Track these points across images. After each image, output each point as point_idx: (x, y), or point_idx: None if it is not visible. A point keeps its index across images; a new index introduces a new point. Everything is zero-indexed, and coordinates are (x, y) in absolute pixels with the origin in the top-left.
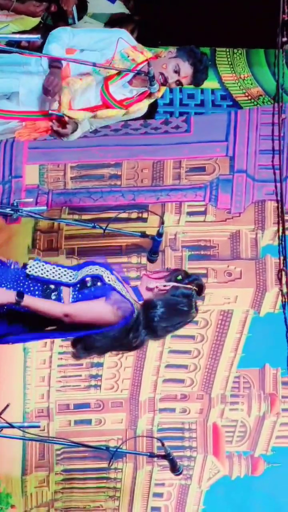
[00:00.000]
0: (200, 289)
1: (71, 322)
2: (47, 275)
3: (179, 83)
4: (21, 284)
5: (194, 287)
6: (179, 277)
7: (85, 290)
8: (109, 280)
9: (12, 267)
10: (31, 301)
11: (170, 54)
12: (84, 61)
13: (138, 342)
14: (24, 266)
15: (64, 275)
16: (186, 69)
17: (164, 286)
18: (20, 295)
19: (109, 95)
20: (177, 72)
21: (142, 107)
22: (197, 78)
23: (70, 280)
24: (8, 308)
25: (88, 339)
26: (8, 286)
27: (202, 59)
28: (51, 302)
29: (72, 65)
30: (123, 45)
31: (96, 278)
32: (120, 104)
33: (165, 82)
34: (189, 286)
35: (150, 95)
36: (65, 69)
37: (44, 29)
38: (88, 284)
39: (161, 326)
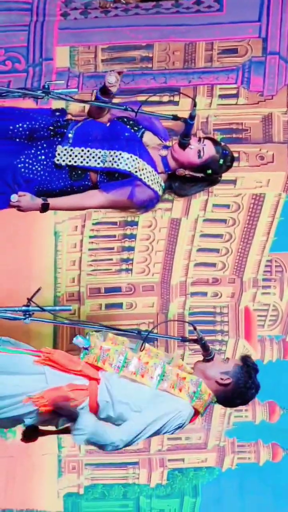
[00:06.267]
0: None
1: None
2: (75, 162)
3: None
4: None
5: None
6: None
7: (112, 181)
8: (136, 171)
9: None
10: (57, 205)
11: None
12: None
13: None
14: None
15: (93, 157)
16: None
17: None
18: (45, 206)
19: None
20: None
21: None
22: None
23: (98, 164)
24: None
25: None
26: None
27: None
28: (74, 199)
29: None
30: None
31: (124, 173)
32: None
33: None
34: None
35: None
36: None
37: None
38: (115, 176)
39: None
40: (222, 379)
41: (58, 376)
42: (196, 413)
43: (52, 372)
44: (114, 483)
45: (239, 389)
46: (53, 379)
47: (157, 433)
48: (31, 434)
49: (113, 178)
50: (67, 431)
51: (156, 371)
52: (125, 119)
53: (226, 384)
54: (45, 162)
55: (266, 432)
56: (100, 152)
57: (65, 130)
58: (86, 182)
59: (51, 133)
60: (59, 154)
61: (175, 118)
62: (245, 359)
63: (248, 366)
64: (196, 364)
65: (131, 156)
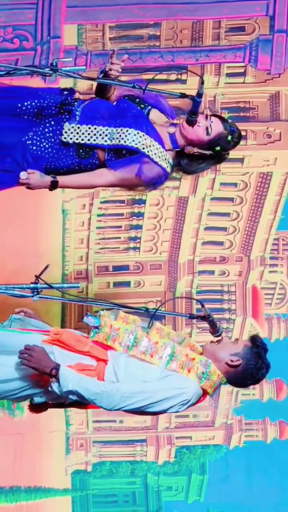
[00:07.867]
0: None
1: None
2: (82, 139)
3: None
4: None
5: None
6: None
7: (120, 159)
8: (143, 148)
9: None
10: (66, 183)
11: None
12: None
13: None
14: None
15: (100, 135)
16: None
17: None
18: (54, 184)
19: None
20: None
21: None
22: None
23: (105, 141)
24: None
25: None
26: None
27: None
28: (83, 177)
29: None
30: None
31: (131, 150)
32: None
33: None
34: None
35: None
36: None
37: None
38: (123, 153)
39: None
40: (232, 360)
41: (66, 356)
42: (205, 393)
43: (61, 352)
44: (122, 460)
45: (250, 369)
46: (61, 359)
47: (160, 407)
48: (39, 406)
49: (121, 155)
50: (74, 405)
51: (165, 351)
52: (132, 97)
53: (236, 365)
54: (52, 140)
55: (273, 410)
56: (107, 129)
57: (73, 108)
58: (94, 161)
59: (59, 110)
60: (66, 132)
61: (183, 96)
62: (254, 339)
63: (257, 347)
64: (206, 347)
65: (138, 133)
